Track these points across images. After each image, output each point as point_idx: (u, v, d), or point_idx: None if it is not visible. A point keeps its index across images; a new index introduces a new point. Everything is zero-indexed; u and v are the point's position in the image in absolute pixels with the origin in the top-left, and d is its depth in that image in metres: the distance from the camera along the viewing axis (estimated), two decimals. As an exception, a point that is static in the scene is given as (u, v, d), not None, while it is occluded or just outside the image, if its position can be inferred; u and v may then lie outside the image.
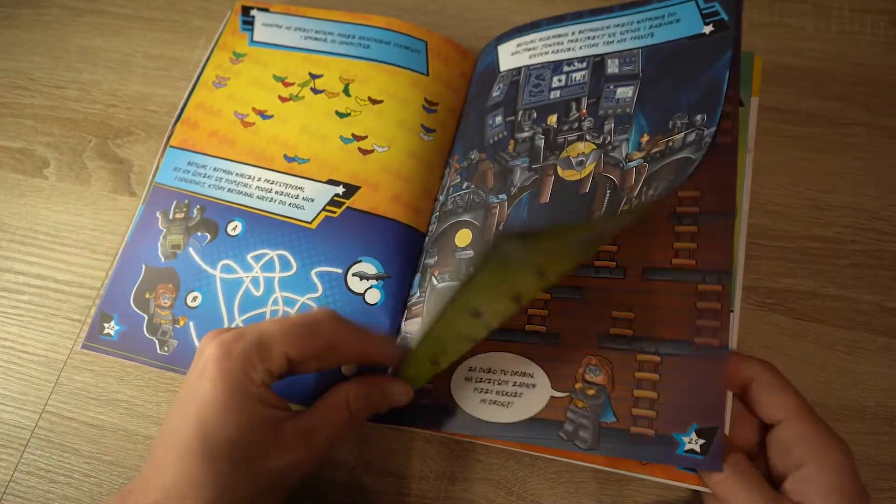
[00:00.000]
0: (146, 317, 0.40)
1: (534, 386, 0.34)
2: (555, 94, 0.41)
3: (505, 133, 0.41)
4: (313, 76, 0.45)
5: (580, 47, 0.42)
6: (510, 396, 0.34)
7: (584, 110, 0.39)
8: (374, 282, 0.39)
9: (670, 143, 0.35)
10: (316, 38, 0.47)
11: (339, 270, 0.39)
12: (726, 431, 0.30)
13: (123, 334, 0.40)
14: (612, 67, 0.40)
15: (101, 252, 0.44)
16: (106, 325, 0.40)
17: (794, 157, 0.43)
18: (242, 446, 0.28)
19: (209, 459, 0.27)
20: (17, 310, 0.43)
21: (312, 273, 0.39)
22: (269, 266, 0.40)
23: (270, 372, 0.29)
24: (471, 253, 0.38)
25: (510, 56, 0.44)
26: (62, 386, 0.40)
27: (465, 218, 0.39)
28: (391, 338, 0.37)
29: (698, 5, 0.39)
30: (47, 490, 0.38)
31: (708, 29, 0.38)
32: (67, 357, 0.41)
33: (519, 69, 0.43)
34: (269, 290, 0.39)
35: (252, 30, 0.48)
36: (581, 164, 0.38)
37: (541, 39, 0.43)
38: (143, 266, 0.41)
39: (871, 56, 0.45)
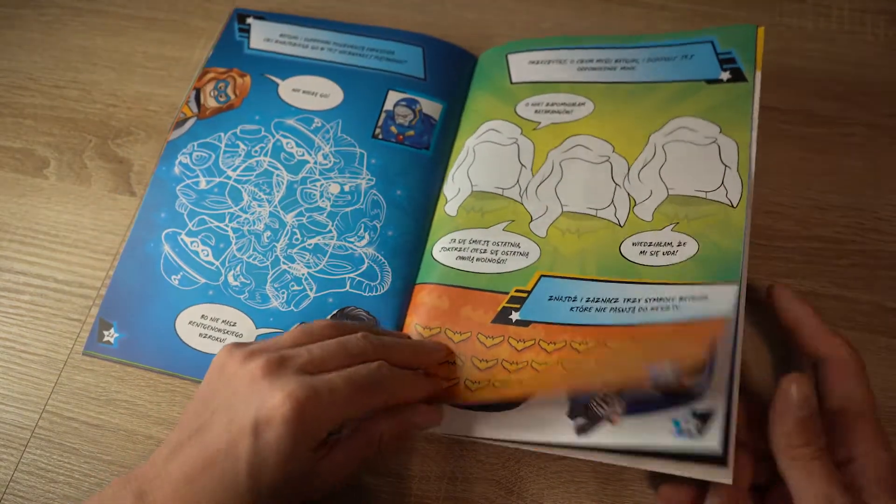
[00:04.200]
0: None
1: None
2: None
3: None
4: None
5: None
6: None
7: None
8: None
9: None
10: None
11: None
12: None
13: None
14: None
15: (101, 252, 0.44)
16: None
17: (794, 157, 0.43)
18: (286, 485, 0.29)
19: (254, 498, 0.28)
20: (17, 310, 0.43)
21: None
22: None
23: (333, 430, 0.31)
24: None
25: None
26: (62, 386, 0.40)
27: None
28: (436, 379, 0.37)
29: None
30: (47, 490, 0.38)
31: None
32: (67, 357, 0.41)
33: None
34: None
35: None
36: None
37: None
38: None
39: (871, 56, 0.45)
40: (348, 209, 0.42)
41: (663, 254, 0.36)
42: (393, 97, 0.45)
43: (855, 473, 0.29)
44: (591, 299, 0.35)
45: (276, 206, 0.42)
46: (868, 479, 0.29)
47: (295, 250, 0.41)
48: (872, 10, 0.47)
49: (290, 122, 0.45)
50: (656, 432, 0.31)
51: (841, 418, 0.31)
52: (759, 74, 0.39)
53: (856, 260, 0.39)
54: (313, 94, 0.46)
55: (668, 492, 0.33)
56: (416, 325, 0.38)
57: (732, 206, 0.36)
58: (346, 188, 0.43)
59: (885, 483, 0.29)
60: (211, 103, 0.46)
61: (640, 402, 0.32)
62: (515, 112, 0.43)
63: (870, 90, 0.44)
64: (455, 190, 0.42)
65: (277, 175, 0.43)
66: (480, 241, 0.39)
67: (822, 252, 0.40)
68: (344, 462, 0.32)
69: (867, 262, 0.39)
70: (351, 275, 0.40)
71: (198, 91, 0.47)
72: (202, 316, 0.40)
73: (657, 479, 0.34)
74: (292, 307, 0.40)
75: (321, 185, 0.43)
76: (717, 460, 0.30)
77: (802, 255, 0.40)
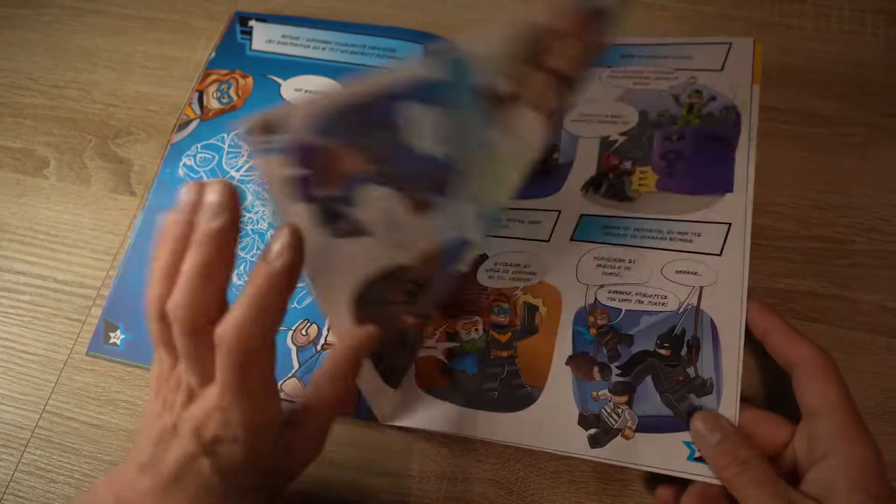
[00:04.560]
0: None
1: None
2: None
3: None
4: None
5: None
6: None
7: None
8: None
9: None
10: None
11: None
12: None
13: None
14: None
15: (101, 252, 0.44)
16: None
17: (794, 157, 0.42)
18: (265, 476, 0.28)
19: (229, 496, 0.27)
20: (17, 310, 0.43)
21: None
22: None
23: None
24: None
25: None
26: (62, 386, 0.40)
27: None
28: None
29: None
30: (47, 490, 0.38)
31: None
32: (68, 357, 0.41)
33: None
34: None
35: None
36: None
37: None
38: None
39: (871, 56, 0.45)
40: None
41: None
42: None
43: (828, 470, 0.29)
44: None
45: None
46: (840, 476, 0.29)
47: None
48: (872, 10, 0.47)
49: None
50: (670, 455, 0.32)
51: (818, 418, 0.31)
52: (756, 88, 0.39)
53: (856, 260, 0.39)
54: (315, 93, 0.46)
55: (665, 493, 0.33)
56: None
57: None
58: None
59: (856, 482, 0.28)
60: (214, 105, 0.46)
61: (653, 418, 0.33)
62: None
63: (870, 90, 0.44)
64: None
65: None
66: None
67: (822, 252, 0.40)
68: (315, 431, 0.29)
69: (867, 262, 0.39)
70: None
71: (200, 93, 0.47)
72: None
73: (657, 480, 0.34)
74: (295, 304, 0.40)
75: None
76: None
77: (802, 255, 0.40)
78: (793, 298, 0.39)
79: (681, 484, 0.33)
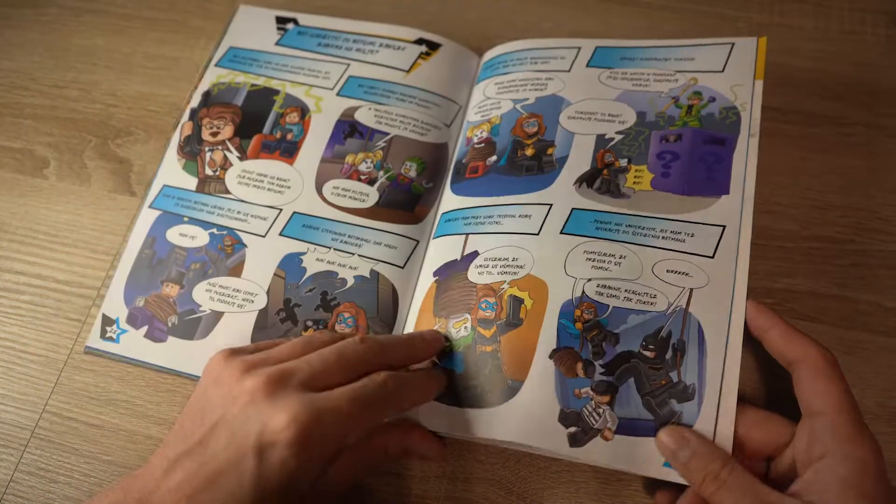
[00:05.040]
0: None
1: None
2: None
3: None
4: None
5: None
6: None
7: None
8: None
9: None
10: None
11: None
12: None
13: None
14: None
15: (101, 252, 0.44)
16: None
17: (794, 157, 0.43)
18: (293, 499, 0.29)
19: None
20: (17, 310, 0.43)
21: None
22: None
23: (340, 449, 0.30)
24: None
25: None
26: (62, 386, 0.40)
27: None
28: (439, 373, 0.36)
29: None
30: (47, 490, 0.38)
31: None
32: (67, 357, 0.41)
33: None
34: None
35: None
36: None
37: None
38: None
39: (871, 56, 0.45)
40: None
41: None
42: None
43: (825, 469, 0.28)
44: None
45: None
46: (837, 476, 0.28)
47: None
48: (872, 10, 0.47)
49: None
50: (648, 459, 0.32)
51: (818, 417, 0.30)
52: (759, 84, 0.39)
53: (856, 260, 0.39)
54: None
55: (663, 499, 0.33)
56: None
57: None
58: None
59: (853, 482, 0.28)
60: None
61: (633, 421, 0.33)
62: None
63: (870, 90, 0.44)
64: None
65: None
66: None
67: (822, 252, 0.40)
68: (350, 469, 0.32)
69: (867, 262, 0.39)
70: None
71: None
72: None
73: (657, 481, 0.34)
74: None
75: None
76: None
77: (802, 255, 0.40)
78: (793, 298, 0.39)
79: (678, 489, 0.32)
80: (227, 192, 0.43)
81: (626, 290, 0.36)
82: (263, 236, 0.41)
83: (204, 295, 0.40)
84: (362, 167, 0.43)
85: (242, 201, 0.43)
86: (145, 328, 0.40)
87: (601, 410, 0.33)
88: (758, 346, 0.35)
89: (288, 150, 0.44)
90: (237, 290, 0.40)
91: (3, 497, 0.38)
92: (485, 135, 0.43)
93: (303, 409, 0.28)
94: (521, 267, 0.37)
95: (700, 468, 0.30)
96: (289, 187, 0.43)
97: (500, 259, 0.38)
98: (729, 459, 0.30)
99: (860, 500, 0.27)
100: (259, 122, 0.45)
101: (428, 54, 0.47)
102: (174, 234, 0.42)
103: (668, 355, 0.34)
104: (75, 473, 0.38)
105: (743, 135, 0.38)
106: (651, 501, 0.35)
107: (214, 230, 0.42)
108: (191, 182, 0.44)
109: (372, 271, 0.40)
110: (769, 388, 0.36)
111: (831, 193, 0.41)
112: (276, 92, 0.46)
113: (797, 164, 0.42)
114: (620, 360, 0.34)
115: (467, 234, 0.39)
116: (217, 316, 0.39)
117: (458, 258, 0.39)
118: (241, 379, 0.29)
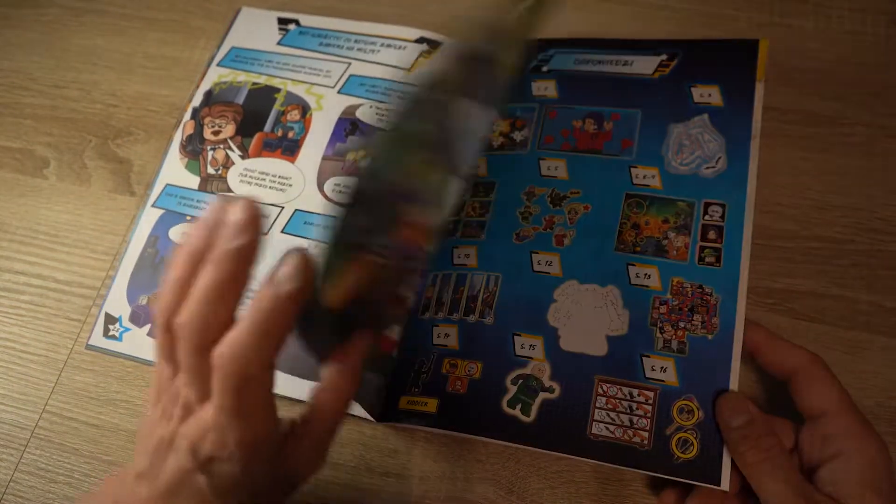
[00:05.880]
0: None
1: None
2: None
3: None
4: None
5: None
6: None
7: None
8: None
9: None
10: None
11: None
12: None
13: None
14: None
15: (101, 252, 0.44)
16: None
17: (794, 157, 0.42)
18: (262, 490, 0.27)
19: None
20: (17, 310, 0.43)
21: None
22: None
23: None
24: None
25: None
26: (62, 386, 0.40)
27: None
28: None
29: None
30: (47, 490, 0.38)
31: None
32: (68, 357, 0.41)
33: None
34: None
35: None
36: None
37: None
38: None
39: (871, 56, 0.45)
40: None
41: None
42: None
43: (841, 468, 0.29)
44: None
45: (276, 206, 0.43)
46: (853, 474, 0.29)
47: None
48: (872, 10, 0.47)
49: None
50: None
51: (823, 420, 0.31)
52: (760, 85, 0.39)
53: (856, 260, 0.39)
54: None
55: (668, 499, 0.33)
56: None
57: None
58: None
59: (867, 480, 0.29)
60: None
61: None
62: None
63: (870, 90, 0.44)
64: None
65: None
66: None
67: (822, 252, 0.40)
68: (313, 447, 0.28)
69: (867, 262, 0.39)
70: None
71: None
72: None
73: (657, 480, 0.34)
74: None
75: None
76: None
77: (802, 255, 0.40)
78: (793, 298, 0.39)
79: (684, 489, 0.32)
80: (230, 190, 0.43)
81: None
82: (265, 234, 0.41)
83: (204, 295, 0.40)
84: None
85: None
86: (148, 326, 0.40)
87: None
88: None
89: (289, 148, 0.44)
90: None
91: (3, 497, 0.38)
92: None
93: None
94: None
95: (750, 438, 0.30)
96: (290, 185, 0.43)
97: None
98: (782, 444, 0.30)
99: (877, 498, 0.28)
100: (260, 121, 0.45)
101: (429, 52, 0.47)
102: (177, 233, 0.42)
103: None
104: (75, 473, 0.38)
105: (742, 137, 0.38)
106: (652, 502, 0.35)
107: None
108: (193, 181, 0.44)
109: None
110: (769, 390, 0.36)
111: (831, 193, 0.41)
112: (277, 90, 0.46)
113: (797, 164, 0.42)
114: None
115: None
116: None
117: None
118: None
